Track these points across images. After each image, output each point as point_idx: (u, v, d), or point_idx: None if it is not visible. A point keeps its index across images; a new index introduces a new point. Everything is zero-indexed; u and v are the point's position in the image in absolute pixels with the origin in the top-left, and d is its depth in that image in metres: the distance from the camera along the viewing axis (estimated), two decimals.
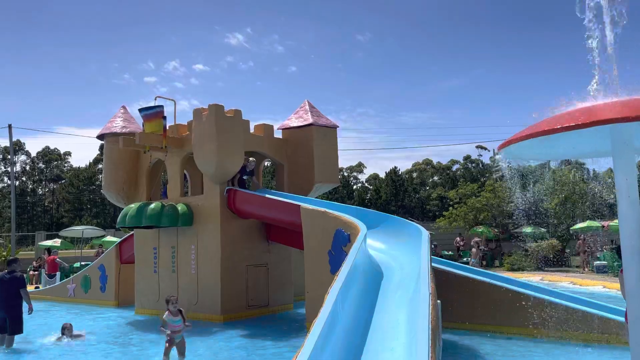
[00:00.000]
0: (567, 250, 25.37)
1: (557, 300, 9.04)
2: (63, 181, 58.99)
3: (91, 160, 58.56)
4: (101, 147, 15.69)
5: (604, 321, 8.26)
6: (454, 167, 61.04)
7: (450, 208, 32.11)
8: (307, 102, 14.72)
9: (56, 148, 60.95)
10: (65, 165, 61.77)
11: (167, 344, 7.99)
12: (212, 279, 12.12)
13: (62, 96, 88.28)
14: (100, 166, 52.55)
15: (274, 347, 8.97)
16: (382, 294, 7.41)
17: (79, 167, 58.79)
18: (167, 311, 8.14)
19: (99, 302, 15.55)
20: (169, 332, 7.97)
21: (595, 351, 7.55)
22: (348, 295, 6.54)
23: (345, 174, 63.23)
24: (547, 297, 9.13)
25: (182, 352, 8.14)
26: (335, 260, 9.53)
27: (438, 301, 6.45)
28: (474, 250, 22.19)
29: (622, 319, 6.80)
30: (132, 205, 12.83)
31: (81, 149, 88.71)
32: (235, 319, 11.77)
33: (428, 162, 62.79)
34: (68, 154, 62.10)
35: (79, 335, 10.18)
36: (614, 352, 6.75)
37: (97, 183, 53.16)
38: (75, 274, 17.79)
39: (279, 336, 9.86)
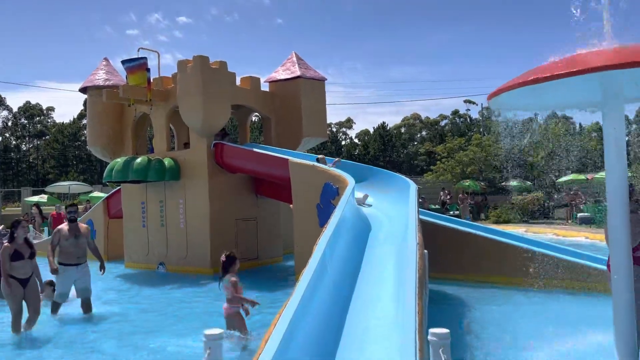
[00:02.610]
0: (552, 203, 25.77)
1: (541, 250, 9.22)
2: (47, 137, 58.10)
3: (75, 116, 57.57)
4: (85, 102, 15.35)
5: (587, 270, 8.47)
6: (443, 122, 61.01)
7: (438, 162, 32.27)
8: (294, 54, 14.43)
9: (38, 103, 59.75)
10: (49, 120, 60.70)
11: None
12: (201, 233, 12.17)
13: (41, 49, 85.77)
14: (84, 122, 51.69)
15: (265, 298, 9.09)
16: (370, 245, 7.49)
17: (62, 123, 57.80)
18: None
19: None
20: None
21: (578, 299, 7.75)
22: (336, 247, 6.59)
23: (334, 129, 62.96)
24: (531, 247, 9.31)
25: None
26: (324, 213, 9.56)
27: (425, 251, 6.53)
28: (462, 205, 22.50)
29: (605, 267, 6.96)
30: (118, 159, 12.69)
31: (64, 104, 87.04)
32: None
33: (416, 117, 62.64)
34: (51, 109, 60.95)
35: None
36: (597, 299, 6.93)
37: (82, 139, 52.47)
38: None
39: (268, 287, 10.00)
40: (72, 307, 8.51)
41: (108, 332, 6.97)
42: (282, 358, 3.71)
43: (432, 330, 3.10)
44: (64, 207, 22.14)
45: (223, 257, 6.47)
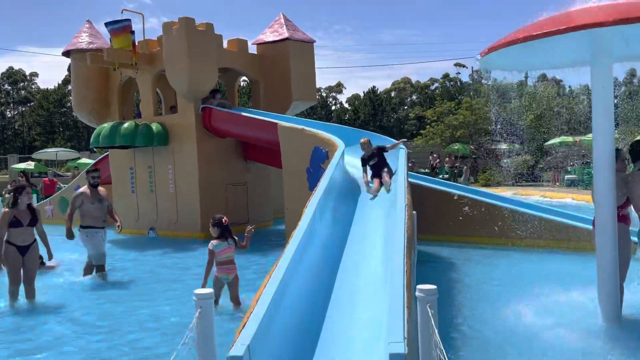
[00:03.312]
0: (540, 166, 26.00)
1: (528, 210, 9.35)
2: (32, 104, 57.13)
3: (60, 82, 56.49)
4: (69, 68, 14.98)
5: (573, 229, 8.62)
6: (433, 86, 60.69)
7: (428, 127, 32.26)
8: (282, 16, 14.14)
9: (21, 69, 58.47)
10: (33, 87, 59.56)
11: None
12: (191, 198, 12.16)
13: (22, 13, 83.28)
14: (69, 88, 50.77)
15: (255, 261, 9.19)
16: (359, 208, 7.54)
17: (47, 89, 56.75)
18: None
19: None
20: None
21: (564, 258, 7.91)
22: (326, 210, 6.63)
23: (324, 94, 62.43)
24: (518, 208, 9.44)
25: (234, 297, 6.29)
26: (314, 177, 9.57)
27: (414, 212, 6.59)
28: (465, 168, 22.68)
29: (590, 226, 7.08)
30: (105, 125, 12.53)
31: (48, 70, 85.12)
32: None
33: (407, 81, 62.18)
34: (34, 74, 59.70)
35: (50, 267, 8.68)
36: (582, 257, 7.07)
37: (67, 105, 51.65)
38: (51, 196, 17.67)
39: (259, 251, 10.07)
40: (67, 274, 8.56)
41: (104, 297, 6.98)
42: (272, 317, 3.77)
43: (419, 286, 3.15)
44: (51, 172, 22.02)
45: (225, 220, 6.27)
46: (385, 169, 7.93)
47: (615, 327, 4.76)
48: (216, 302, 5.96)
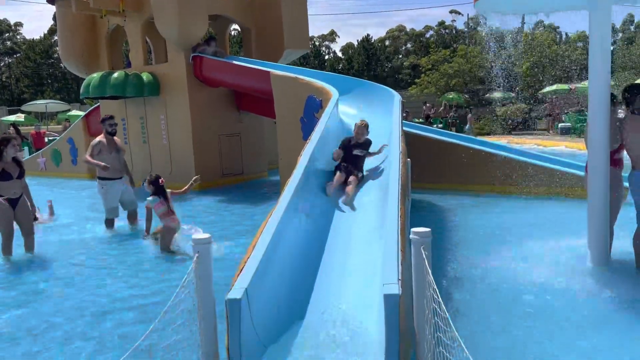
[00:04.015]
0: (534, 114, 25.96)
1: (521, 157, 9.39)
2: (18, 55, 55.78)
3: (45, 32, 54.99)
4: (54, 17, 14.45)
5: (566, 176, 8.70)
6: (428, 34, 59.57)
7: (422, 75, 31.90)
8: None
9: (5, 18, 56.74)
10: (18, 37, 57.98)
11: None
12: (185, 149, 12.10)
13: None
14: (56, 38, 49.45)
15: (251, 210, 9.27)
16: None
17: (33, 40, 55.29)
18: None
19: (72, 174, 15.54)
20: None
21: (557, 204, 8.01)
22: (321, 158, 6.63)
23: (317, 43, 61.21)
24: (511, 155, 9.48)
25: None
26: (308, 127, 9.51)
27: (408, 159, 6.60)
28: (469, 116, 22.67)
29: (582, 172, 7.14)
30: (94, 75, 12.29)
31: (32, 19, 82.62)
32: (210, 187, 11.99)
33: (401, 29, 60.94)
34: (19, 24, 57.99)
35: (42, 222, 8.36)
36: (574, 204, 7.17)
37: (55, 56, 50.47)
38: (43, 148, 17.56)
39: (254, 201, 10.14)
40: (62, 229, 8.59)
41: (102, 249, 7.02)
42: (269, 262, 3.83)
43: (413, 229, 3.19)
44: (37, 126, 21.73)
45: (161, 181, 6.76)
46: (359, 173, 6.50)
47: (604, 269, 4.88)
48: (169, 249, 6.53)
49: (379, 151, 6.79)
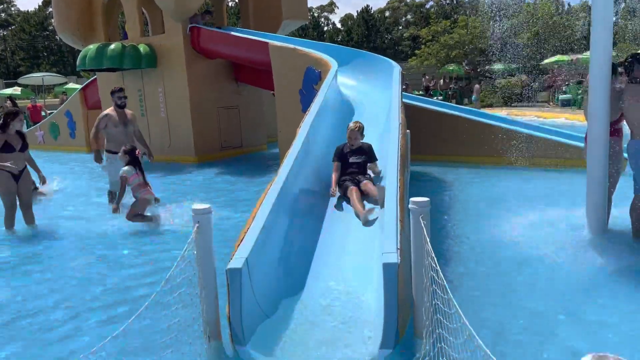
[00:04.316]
0: (535, 86, 25.77)
1: (520, 129, 9.36)
2: (13, 27, 55.02)
3: (40, 3, 54.11)
4: None
5: (564, 147, 8.69)
6: (428, 5, 58.65)
7: (423, 46, 31.55)
8: None
9: None
10: (12, 9, 57.09)
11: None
12: (183, 121, 12.04)
13: None
14: (51, 9, 48.65)
15: (250, 183, 9.28)
16: None
17: (27, 11, 54.45)
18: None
19: (70, 148, 15.51)
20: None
21: (556, 175, 8.02)
22: (319, 130, 6.60)
23: (315, 14, 60.32)
24: (513, 127, 9.44)
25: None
26: (307, 99, 9.45)
27: (407, 131, 6.58)
28: (477, 87, 22.53)
29: (582, 144, 7.13)
30: (91, 46, 12.14)
31: None
32: (209, 160, 11.98)
33: (401, 0, 59.99)
34: None
35: (42, 193, 8.32)
36: (573, 175, 7.18)
37: (50, 28, 49.76)
38: (41, 122, 17.48)
39: (253, 174, 10.14)
40: (62, 201, 8.59)
41: (103, 219, 7.02)
42: (269, 233, 3.86)
43: (412, 199, 3.20)
44: (33, 99, 21.56)
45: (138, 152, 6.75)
46: (366, 176, 5.45)
47: (601, 238, 4.92)
48: (147, 218, 6.59)
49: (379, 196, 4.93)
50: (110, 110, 7.78)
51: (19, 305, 4.30)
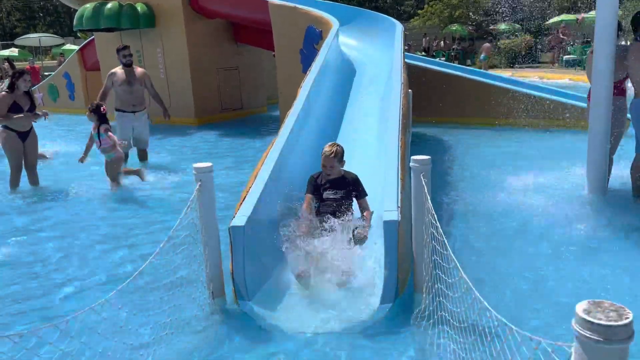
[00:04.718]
0: (539, 46, 25.37)
1: (525, 90, 9.28)
2: None
3: None
4: None
5: (567, 107, 8.63)
6: None
7: (426, 6, 30.91)
8: None
9: None
10: None
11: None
12: (183, 82, 11.92)
13: None
14: None
15: (250, 146, 9.26)
16: (354, 89, 7.44)
17: None
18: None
19: (70, 110, 15.40)
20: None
21: (558, 136, 8.00)
22: (320, 90, 6.55)
23: None
24: (515, 88, 9.36)
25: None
26: (307, 59, 9.33)
27: (409, 90, 6.52)
28: (487, 45, 22.15)
29: (584, 104, 7.07)
30: (87, 5, 11.89)
31: None
32: (209, 122, 11.92)
33: None
34: None
35: (42, 156, 7.85)
36: (576, 135, 7.15)
37: None
38: (38, 84, 17.30)
39: (253, 136, 10.11)
40: (63, 165, 8.58)
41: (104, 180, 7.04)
42: (270, 192, 3.88)
43: (414, 157, 3.20)
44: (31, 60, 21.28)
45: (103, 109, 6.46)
46: (348, 212, 3.99)
47: (600, 197, 4.95)
48: (130, 171, 6.62)
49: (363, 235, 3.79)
50: (116, 69, 7.70)
51: (25, 263, 4.36)
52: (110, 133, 6.41)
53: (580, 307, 1.24)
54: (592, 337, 1.19)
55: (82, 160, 6.73)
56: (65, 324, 2.10)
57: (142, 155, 8.06)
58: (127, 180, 6.75)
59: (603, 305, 1.24)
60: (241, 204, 3.55)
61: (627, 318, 1.19)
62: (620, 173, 5.39)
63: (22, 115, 6.34)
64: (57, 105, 15.89)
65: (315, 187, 4.13)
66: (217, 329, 3.10)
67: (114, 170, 6.53)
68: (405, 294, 3.32)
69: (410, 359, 2.73)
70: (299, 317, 3.17)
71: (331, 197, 4.07)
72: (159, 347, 2.75)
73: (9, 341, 1.85)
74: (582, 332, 1.21)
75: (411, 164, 3.19)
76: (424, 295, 3.14)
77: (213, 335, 3.02)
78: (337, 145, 4.14)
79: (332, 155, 4.04)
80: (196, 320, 3.12)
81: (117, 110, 7.72)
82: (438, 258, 2.86)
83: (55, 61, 25.21)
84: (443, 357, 2.60)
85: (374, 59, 8.48)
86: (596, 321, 1.18)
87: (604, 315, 1.20)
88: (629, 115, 5.32)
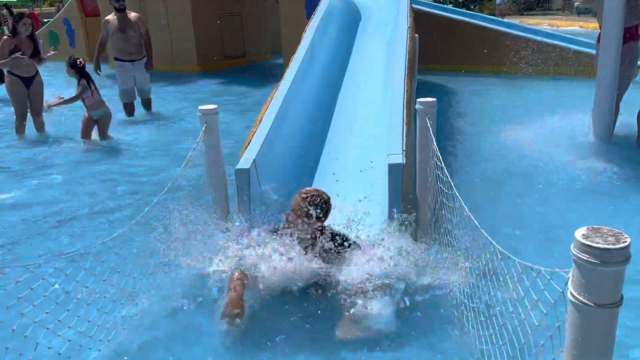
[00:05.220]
0: None
1: (534, 36, 9.10)
2: None
3: None
4: None
5: (577, 54, 8.49)
6: None
7: None
8: None
9: None
10: None
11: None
12: (185, 29, 11.71)
13: None
14: None
15: (253, 94, 9.18)
16: (360, 34, 7.31)
17: None
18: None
19: None
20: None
21: (567, 82, 7.91)
22: (325, 35, 6.45)
23: None
24: (525, 34, 9.17)
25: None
26: (311, 4, 9.11)
27: (416, 35, 6.40)
28: None
29: (593, 51, 6.94)
30: None
31: None
32: (212, 70, 11.79)
33: None
34: None
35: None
36: (585, 82, 7.07)
37: None
38: (38, 30, 17.01)
39: (256, 84, 9.99)
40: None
41: (119, 130, 6.94)
42: (275, 136, 3.90)
43: (419, 99, 3.19)
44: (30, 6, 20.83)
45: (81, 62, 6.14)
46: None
47: (605, 144, 4.94)
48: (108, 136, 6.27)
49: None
50: (110, 15, 7.51)
51: (31, 206, 4.44)
52: (92, 89, 6.08)
53: (580, 233, 1.28)
54: (589, 260, 1.23)
55: (49, 106, 6.45)
56: (80, 257, 2.17)
57: (147, 105, 7.89)
58: (131, 129, 6.75)
59: (602, 230, 1.28)
60: (246, 147, 3.57)
61: (625, 242, 1.23)
62: (626, 121, 5.37)
63: (17, 55, 6.21)
64: (58, 52, 15.63)
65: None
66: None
67: (107, 125, 6.23)
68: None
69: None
70: None
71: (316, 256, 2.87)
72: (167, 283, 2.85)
73: (27, 270, 1.93)
74: (580, 256, 1.25)
75: (417, 106, 3.19)
76: (429, 237, 3.19)
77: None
78: (320, 193, 2.96)
79: (310, 207, 2.84)
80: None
81: (115, 59, 7.52)
82: (444, 199, 2.90)
83: (54, 7, 24.68)
84: (448, 292, 2.69)
85: (380, 3, 8.29)
86: (594, 245, 1.22)
87: (602, 239, 1.24)
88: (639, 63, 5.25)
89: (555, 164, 4.63)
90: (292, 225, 2.85)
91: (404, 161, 3.22)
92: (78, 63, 6.14)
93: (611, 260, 1.22)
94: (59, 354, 2.11)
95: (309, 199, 2.85)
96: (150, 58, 7.60)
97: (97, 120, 6.24)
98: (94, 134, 6.32)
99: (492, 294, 2.11)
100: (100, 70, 7.60)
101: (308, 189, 2.99)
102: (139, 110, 7.80)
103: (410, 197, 3.42)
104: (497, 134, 5.61)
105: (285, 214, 2.99)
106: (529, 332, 1.71)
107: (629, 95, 5.36)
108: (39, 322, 1.98)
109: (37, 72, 6.57)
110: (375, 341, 2.40)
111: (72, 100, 6.30)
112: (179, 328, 2.55)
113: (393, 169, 3.19)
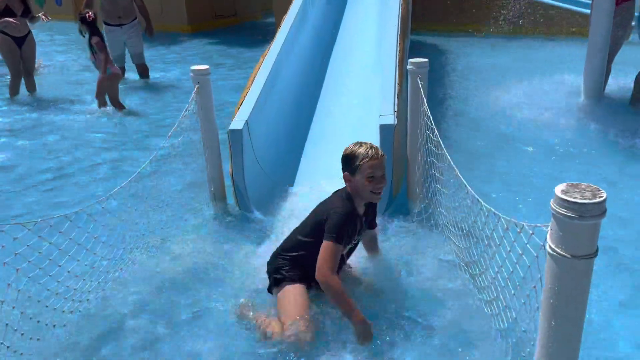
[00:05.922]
0: None
1: None
2: None
3: None
4: None
5: (572, 14, 8.41)
6: None
7: None
8: None
9: None
10: None
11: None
12: None
13: None
14: None
15: (244, 56, 9.06)
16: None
17: None
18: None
19: (57, 16, 14.79)
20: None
21: (561, 43, 7.86)
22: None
23: None
24: None
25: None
26: None
27: None
28: None
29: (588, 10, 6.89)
30: None
31: None
32: (202, 30, 11.58)
33: None
34: None
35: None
36: (580, 43, 7.05)
37: None
38: None
39: (248, 45, 9.85)
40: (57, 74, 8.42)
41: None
42: (267, 96, 3.90)
43: (411, 60, 3.19)
44: None
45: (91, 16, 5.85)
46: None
47: (594, 103, 4.98)
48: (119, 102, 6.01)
49: None
50: None
51: (27, 164, 4.46)
52: (100, 47, 5.79)
53: (559, 188, 1.33)
54: (567, 214, 1.29)
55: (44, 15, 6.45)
56: (74, 215, 2.22)
57: (142, 71, 7.48)
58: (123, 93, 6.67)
59: (580, 186, 1.33)
60: (239, 108, 3.58)
61: (601, 197, 1.28)
62: (621, 84, 5.39)
63: (7, 20, 6.14)
64: (44, 11, 15.29)
65: (352, 232, 2.41)
66: (217, 229, 3.23)
67: (112, 89, 5.91)
68: (398, 198, 3.43)
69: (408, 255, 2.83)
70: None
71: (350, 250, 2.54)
72: (164, 242, 2.92)
73: (24, 228, 1.98)
74: (559, 210, 1.30)
75: (408, 66, 3.19)
76: (419, 197, 3.25)
77: (214, 236, 3.15)
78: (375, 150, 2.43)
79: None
80: (198, 219, 3.27)
81: (105, 23, 7.12)
82: (434, 159, 2.94)
83: None
84: (439, 246, 2.77)
85: None
86: (572, 199, 1.27)
87: (580, 195, 1.29)
88: (633, 23, 5.23)
89: (544, 123, 4.69)
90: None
91: (396, 122, 3.25)
92: (87, 17, 5.82)
93: (587, 214, 1.27)
94: (46, 306, 2.21)
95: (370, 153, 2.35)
96: (149, 22, 7.30)
97: (109, 78, 5.87)
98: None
99: (483, 249, 2.20)
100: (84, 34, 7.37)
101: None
102: (130, 75, 7.51)
103: (401, 156, 3.46)
104: (488, 96, 5.64)
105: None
106: (517, 284, 1.81)
107: (624, 56, 5.36)
108: (31, 278, 2.06)
109: (29, 31, 6.50)
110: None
111: (105, 58, 5.83)
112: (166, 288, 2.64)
113: (384, 129, 3.21)
